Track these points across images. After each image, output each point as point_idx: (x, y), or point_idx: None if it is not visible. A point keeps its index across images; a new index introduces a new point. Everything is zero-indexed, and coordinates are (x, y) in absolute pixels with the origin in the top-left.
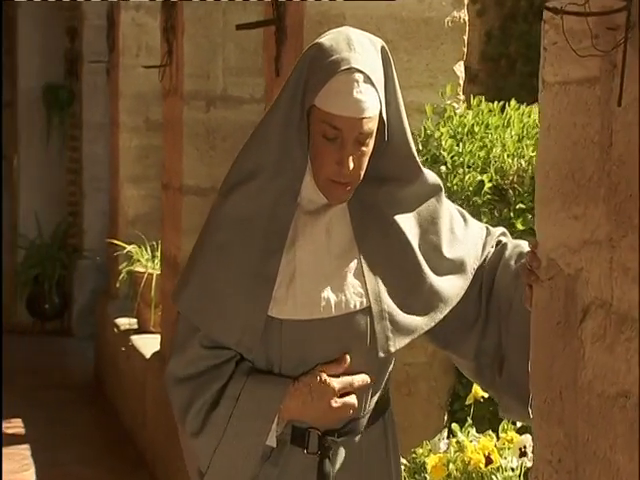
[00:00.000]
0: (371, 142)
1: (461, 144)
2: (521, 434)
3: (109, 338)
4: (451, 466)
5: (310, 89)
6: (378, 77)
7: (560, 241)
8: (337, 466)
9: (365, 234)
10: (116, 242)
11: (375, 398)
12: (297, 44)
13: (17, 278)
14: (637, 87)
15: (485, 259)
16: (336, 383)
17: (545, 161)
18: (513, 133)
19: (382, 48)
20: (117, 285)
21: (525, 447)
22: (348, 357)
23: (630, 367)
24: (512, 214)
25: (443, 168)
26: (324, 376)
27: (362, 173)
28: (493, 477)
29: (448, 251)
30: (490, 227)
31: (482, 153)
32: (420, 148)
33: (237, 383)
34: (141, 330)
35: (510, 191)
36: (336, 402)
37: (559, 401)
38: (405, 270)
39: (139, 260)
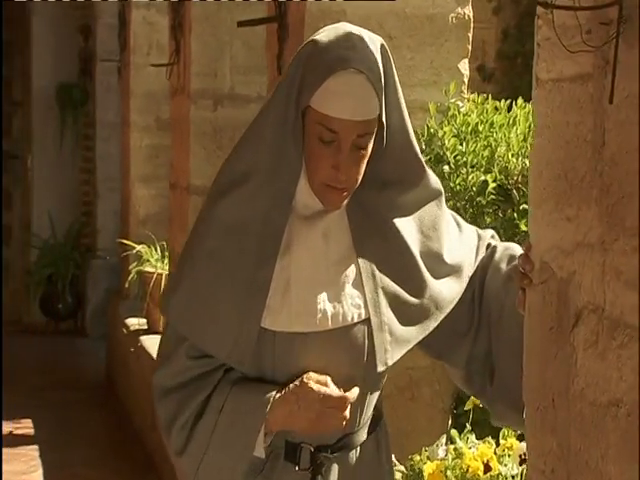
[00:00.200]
0: (370, 145)
1: (464, 143)
2: (521, 441)
3: (120, 338)
4: (449, 473)
5: (306, 89)
6: (377, 77)
7: (553, 243)
8: None
9: (364, 241)
10: (126, 242)
11: (369, 412)
12: (298, 42)
13: (30, 278)
14: (629, 84)
15: (477, 265)
16: (325, 391)
17: (539, 161)
18: (519, 132)
19: (382, 45)
20: (127, 285)
21: (525, 454)
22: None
23: (622, 375)
24: (516, 215)
25: (446, 168)
26: (312, 384)
27: (360, 178)
28: None
29: (448, 257)
30: (480, 230)
31: (486, 152)
32: (423, 147)
33: (221, 393)
34: (150, 330)
35: (514, 191)
36: (325, 412)
37: (552, 409)
38: (405, 279)
39: (148, 260)
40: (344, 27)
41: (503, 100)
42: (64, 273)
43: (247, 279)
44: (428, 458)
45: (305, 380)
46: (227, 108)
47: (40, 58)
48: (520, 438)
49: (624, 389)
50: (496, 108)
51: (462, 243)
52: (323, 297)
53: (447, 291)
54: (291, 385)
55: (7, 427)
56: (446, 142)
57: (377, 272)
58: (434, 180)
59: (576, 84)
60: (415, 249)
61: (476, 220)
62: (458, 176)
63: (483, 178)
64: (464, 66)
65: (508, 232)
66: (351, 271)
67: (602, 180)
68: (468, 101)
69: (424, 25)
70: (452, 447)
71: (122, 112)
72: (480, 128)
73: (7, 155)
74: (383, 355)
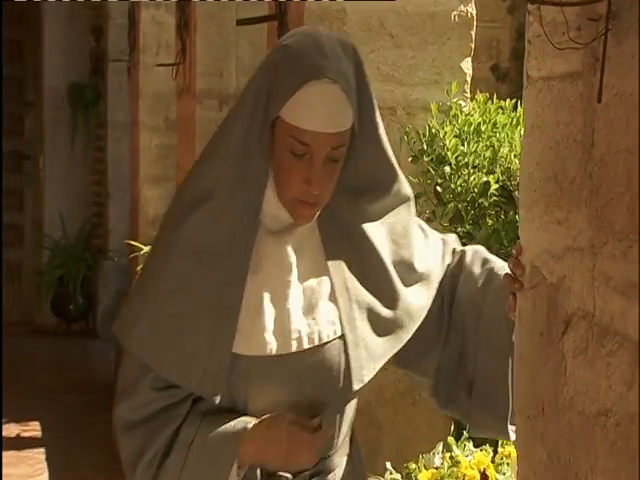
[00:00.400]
0: (343, 155)
1: (466, 143)
2: None
3: None
4: None
5: (276, 99)
6: (351, 85)
7: (543, 247)
8: None
9: (336, 253)
10: (133, 243)
11: (345, 431)
12: None
13: (42, 279)
14: (619, 82)
15: (446, 271)
16: (296, 430)
17: (529, 162)
18: (522, 132)
19: (353, 50)
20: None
21: None
22: (318, 419)
23: (611, 384)
24: (519, 217)
25: (447, 169)
26: (283, 423)
27: (332, 190)
28: None
29: (418, 265)
30: (443, 235)
31: (488, 153)
32: (425, 148)
33: (191, 426)
34: None
35: (517, 193)
36: (294, 450)
37: (541, 418)
38: (379, 290)
39: None
40: (315, 33)
41: (508, 100)
42: (75, 274)
43: (216, 302)
44: (424, 466)
45: (278, 419)
46: None
47: (52, 58)
48: None
49: (613, 398)
50: (501, 108)
51: (428, 249)
52: (297, 316)
53: (418, 300)
54: (263, 419)
55: (15, 429)
56: (447, 142)
57: (350, 285)
58: (405, 185)
59: (566, 82)
60: (387, 258)
61: (478, 222)
62: (459, 177)
63: (485, 179)
64: (467, 65)
65: (510, 234)
66: (324, 286)
67: (592, 182)
68: (471, 101)
69: (426, 23)
70: (448, 455)
71: (131, 112)
72: (482, 128)
73: (19, 155)
74: (359, 372)
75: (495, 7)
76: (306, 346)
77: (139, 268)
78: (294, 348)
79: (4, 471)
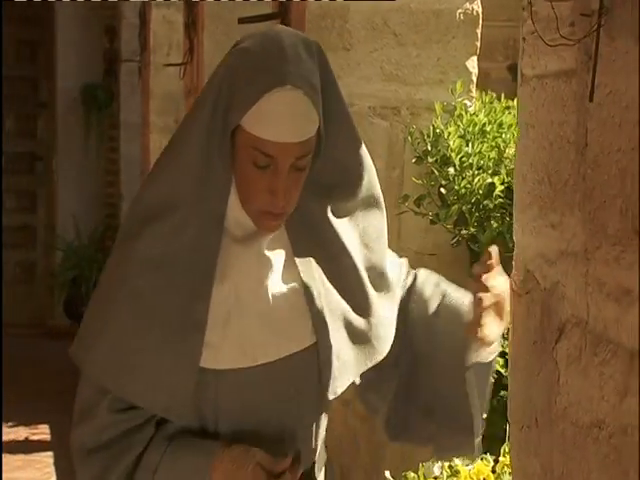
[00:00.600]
0: (309, 162)
1: (470, 144)
2: None
3: None
4: None
5: (236, 107)
6: (315, 87)
7: (537, 251)
8: None
9: (307, 258)
10: None
11: (320, 443)
12: None
13: (54, 280)
14: (612, 80)
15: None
16: (264, 473)
17: (523, 163)
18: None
19: (317, 48)
20: None
21: None
22: (288, 461)
23: (603, 395)
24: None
25: (451, 170)
26: (250, 464)
27: (297, 199)
28: None
29: (388, 273)
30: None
31: (493, 154)
32: (429, 149)
33: (155, 452)
34: None
35: None
36: None
37: (535, 429)
38: (352, 297)
39: None
40: (276, 34)
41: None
42: (88, 275)
43: (181, 317)
44: (424, 475)
45: (246, 457)
46: None
47: (65, 59)
48: None
49: (606, 409)
50: (508, 107)
51: (393, 264)
52: (268, 325)
53: (390, 312)
54: (232, 450)
55: (23, 432)
56: (451, 143)
57: (323, 291)
58: (377, 187)
59: (560, 80)
60: (360, 263)
61: (482, 225)
62: (463, 178)
63: (490, 180)
64: (472, 64)
65: None
66: (295, 293)
67: (585, 184)
68: (477, 100)
69: (430, 21)
70: (447, 464)
71: (142, 113)
72: (488, 128)
73: (32, 156)
74: (332, 383)
75: (512, 6)
76: (277, 357)
77: None
78: (265, 359)
79: (12, 475)
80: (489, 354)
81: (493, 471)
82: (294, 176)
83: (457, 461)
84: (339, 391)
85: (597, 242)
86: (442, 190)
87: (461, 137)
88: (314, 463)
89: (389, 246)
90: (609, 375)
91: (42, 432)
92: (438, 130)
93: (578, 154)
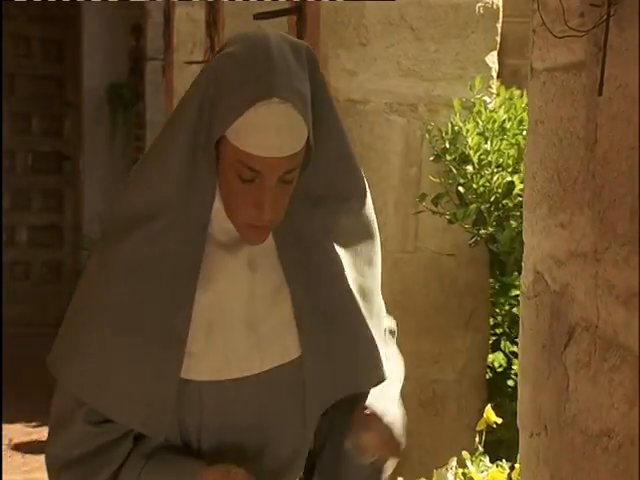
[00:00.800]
0: (297, 175)
1: (489, 141)
2: None
3: None
4: None
5: (220, 118)
6: (305, 98)
7: (547, 252)
8: None
9: (296, 267)
10: None
11: (304, 458)
12: (315, 37)
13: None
14: (622, 72)
15: None
16: None
17: (533, 160)
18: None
19: (307, 51)
20: None
21: None
22: None
23: (613, 402)
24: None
25: (469, 168)
26: None
27: (284, 210)
28: None
29: (376, 300)
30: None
31: (512, 151)
32: (447, 146)
33: (132, 469)
34: None
35: None
36: None
37: (544, 437)
38: (341, 313)
39: None
40: (263, 40)
41: None
42: None
43: (162, 326)
44: None
45: (230, 477)
46: None
47: (91, 58)
48: None
49: (616, 418)
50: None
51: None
52: (253, 336)
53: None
54: (214, 471)
55: (35, 435)
56: (469, 141)
57: (311, 304)
58: (369, 204)
59: (570, 74)
60: (352, 284)
61: (501, 224)
62: (482, 177)
63: (509, 179)
64: (492, 59)
65: None
66: (282, 304)
67: (594, 182)
68: (497, 96)
69: (449, 15)
70: (460, 471)
71: (165, 111)
72: (507, 125)
73: (59, 156)
74: (317, 398)
75: None
76: (262, 369)
77: None
78: (249, 371)
79: (32, 475)
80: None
81: (509, 478)
82: (281, 189)
83: (471, 468)
84: (322, 409)
85: (606, 242)
86: (460, 189)
87: (480, 134)
88: None
89: (407, 245)
90: (619, 382)
91: None
92: (456, 127)
93: (588, 150)
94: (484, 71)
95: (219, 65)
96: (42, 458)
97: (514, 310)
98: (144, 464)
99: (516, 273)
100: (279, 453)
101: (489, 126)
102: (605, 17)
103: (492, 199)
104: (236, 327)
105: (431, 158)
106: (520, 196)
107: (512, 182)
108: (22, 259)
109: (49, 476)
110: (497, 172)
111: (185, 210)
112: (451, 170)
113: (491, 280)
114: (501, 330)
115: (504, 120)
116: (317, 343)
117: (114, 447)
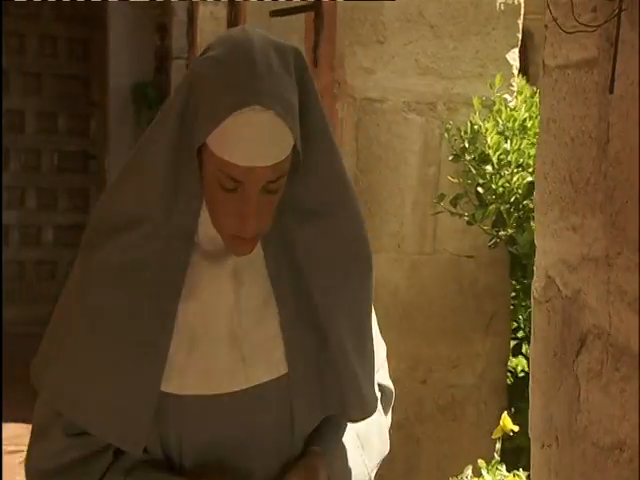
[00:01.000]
0: (283, 184)
1: (509, 141)
2: None
3: None
4: None
5: (200, 125)
6: (289, 105)
7: (558, 256)
8: None
9: (285, 280)
10: None
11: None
12: (331, 34)
13: None
14: (634, 69)
15: None
16: None
17: (544, 160)
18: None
19: (294, 54)
20: None
21: None
22: None
23: (625, 413)
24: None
25: (489, 168)
26: None
27: (270, 221)
28: None
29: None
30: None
31: (533, 151)
32: (466, 146)
33: None
34: None
35: None
36: None
37: (556, 449)
38: (330, 331)
39: None
40: (247, 40)
41: None
42: None
43: (142, 337)
44: None
45: None
46: None
47: (117, 57)
48: None
49: (627, 430)
50: None
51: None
52: (237, 350)
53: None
54: None
55: None
56: (488, 140)
57: (299, 319)
58: (361, 223)
59: (582, 71)
60: (343, 302)
61: (521, 226)
62: (501, 177)
63: (530, 179)
64: (513, 56)
65: None
66: (269, 317)
67: (606, 183)
68: (519, 95)
69: (468, 11)
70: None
71: None
72: (528, 124)
73: (85, 155)
74: (306, 416)
75: None
76: (246, 385)
77: None
78: (232, 387)
79: None
80: None
81: None
82: (266, 199)
83: (487, 477)
84: (312, 426)
85: (618, 247)
86: (479, 189)
87: (500, 133)
88: None
89: (425, 247)
90: (630, 393)
91: None
92: (476, 126)
93: (600, 150)
94: (505, 69)
95: (200, 70)
96: None
97: None
98: (124, 479)
99: None
100: (266, 472)
101: (509, 125)
102: (616, 11)
103: (512, 200)
104: (219, 341)
105: (450, 158)
106: None
107: (532, 182)
108: (48, 259)
109: None
110: (517, 172)
111: (170, 218)
112: (470, 170)
113: (513, 282)
114: (522, 334)
115: (525, 119)
116: (305, 359)
117: (93, 460)
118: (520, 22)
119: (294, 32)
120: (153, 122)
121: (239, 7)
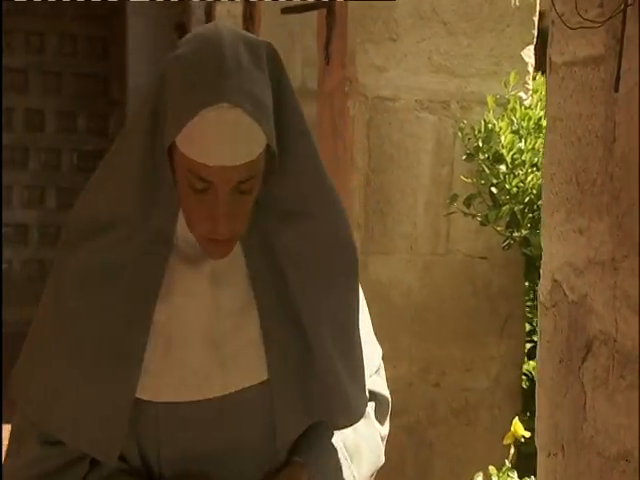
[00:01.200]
0: (257, 184)
1: (523, 140)
2: None
3: None
4: None
5: (169, 124)
6: (260, 102)
7: (565, 259)
8: None
9: (266, 282)
10: None
11: None
12: (343, 31)
13: None
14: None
15: None
16: None
17: (551, 161)
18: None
19: (267, 50)
20: None
21: None
22: None
23: (631, 422)
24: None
25: (503, 167)
26: None
27: (246, 222)
28: None
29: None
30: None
31: None
32: (480, 145)
33: None
34: None
35: None
36: None
37: (562, 458)
38: (312, 335)
39: None
40: (216, 36)
41: None
42: None
43: (116, 343)
44: None
45: None
46: None
47: (136, 56)
48: None
49: (633, 440)
50: None
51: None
52: (215, 355)
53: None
54: None
55: None
56: (502, 139)
57: (281, 323)
58: (347, 227)
59: (588, 68)
60: (327, 307)
61: (536, 227)
62: (516, 177)
63: None
64: (528, 54)
65: None
66: (249, 322)
67: (613, 184)
68: (535, 93)
69: (483, 8)
70: None
71: None
72: (543, 123)
73: (104, 154)
74: (284, 426)
75: None
76: (224, 391)
77: None
78: (209, 394)
79: None
80: None
81: None
82: (239, 199)
83: None
84: (292, 437)
85: (625, 250)
86: (493, 189)
87: (514, 132)
88: None
89: (437, 248)
90: (636, 401)
91: None
92: (490, 125)
93: (606, 150)
94: (520, 66)
95: (168, 68)
96: None
97: None
98: None
99: None
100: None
101: (524, 124)
102: (622, 7)
103: (526, 200)
104: (196, 345)
105: (463, 157)
106: None
107: None
108: None
109: None
110: (531, 172)
111: (146, 220)
112: (484, 170)
113: (528, 284)
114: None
115: (540, 117)
116: (287, 364)
117: (68, 470)
118: (536, 19)
119: (309, 28)
120: (127, 121)
121: (255, 5)
